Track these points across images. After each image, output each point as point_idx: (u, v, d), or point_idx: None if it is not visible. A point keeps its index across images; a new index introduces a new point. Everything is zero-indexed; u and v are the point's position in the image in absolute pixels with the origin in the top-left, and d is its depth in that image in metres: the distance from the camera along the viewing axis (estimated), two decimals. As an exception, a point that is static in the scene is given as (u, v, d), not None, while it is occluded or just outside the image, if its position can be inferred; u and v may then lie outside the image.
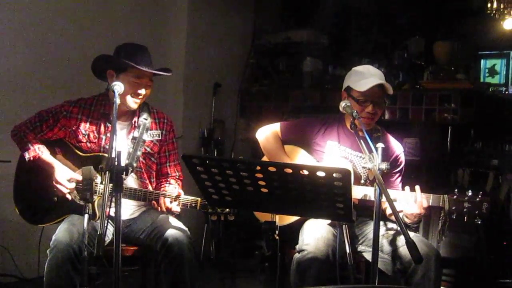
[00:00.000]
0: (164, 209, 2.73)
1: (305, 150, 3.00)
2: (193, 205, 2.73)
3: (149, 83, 2.82)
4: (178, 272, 2.67)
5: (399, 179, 2.95)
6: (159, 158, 2.99)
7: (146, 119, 2.89)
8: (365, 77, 2.81)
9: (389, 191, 2.58)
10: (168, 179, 2.99)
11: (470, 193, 2.53)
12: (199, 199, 2.72)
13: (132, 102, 2.78)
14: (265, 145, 3.07)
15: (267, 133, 3.08)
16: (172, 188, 2.92)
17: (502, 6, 4.18)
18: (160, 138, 2.95)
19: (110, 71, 2.78)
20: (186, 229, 2.79)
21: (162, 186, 2.97)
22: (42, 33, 3.90)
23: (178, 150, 3.07)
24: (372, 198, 2.60)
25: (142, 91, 2.78)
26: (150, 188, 2.91)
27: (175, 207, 2.73)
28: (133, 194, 2.76)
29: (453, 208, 2.52)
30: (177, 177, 3.01)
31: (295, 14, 5.66)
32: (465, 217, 2.52)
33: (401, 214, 2.64)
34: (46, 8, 3.92)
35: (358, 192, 2.66)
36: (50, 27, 3.95)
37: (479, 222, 2.51)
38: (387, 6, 5.38)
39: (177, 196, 2.74)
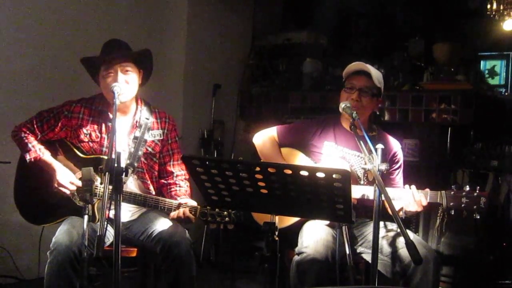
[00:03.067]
0: (183, 218, 2.70)
1: (302, 152, 3.00)
2: (192, 212, 2.71)
3: (124, 69, 2.71)
4: (178, 274, 2.66)
5: (399, 175, 2.96)
6: (162, 158, 2.97)
7: (147, 119, 2.89)
8: (353, 65, 2.91)
9: (389, 189, 2.60)
10: (176, 181, 2.97)
11: (467, 188, 2.54)
12: (198, 206, 2.71)
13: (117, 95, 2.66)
14: (262, 150, 3.09)
15: (264, 138, 3.09)
16: (184, 191, 2.92)
17: (501, 7, 4.18)
18: (161, 137, 2.94)
19: (97, 75, 2.79)
20: (186, 231, 2.79)
21: (173, 190, 2.94)
22: (43, 34, 3.90)
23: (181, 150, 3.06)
24: (371, 197, 2.60)
25: (120, 78, 2.68)
26: (151, 188, 2.91)
27: (191, 215, 2.71)
28: (133, 199, 2.75)
29: (451, 204, 2.53)
30: (183, 176, 2.99)
31: (294, 15, 5.67)
32: (464, 213, 2.53)
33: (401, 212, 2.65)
34: (46, 9, 3.92)
35: (357, 191, 2.66)
36: (51, 28, 3.95)
37: (478, 217, 2.52)
38: (386, 7, 5.39)
39: (196, 207, 2.71)
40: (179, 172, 2.98)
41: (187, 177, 2.99)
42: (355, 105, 2.80)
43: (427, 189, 2.62)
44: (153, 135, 2.91)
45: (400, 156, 2.97)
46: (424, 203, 2.58)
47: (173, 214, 2.72)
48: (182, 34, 4.84)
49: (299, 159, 2.99)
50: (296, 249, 2.69)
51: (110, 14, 4.31)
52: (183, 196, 2.87)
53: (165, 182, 2.98)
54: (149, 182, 2.90)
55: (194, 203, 2.76)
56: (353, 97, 2.83)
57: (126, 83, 2.72)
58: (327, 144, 2.93)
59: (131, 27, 4.39)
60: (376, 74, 2.87)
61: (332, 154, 2.90)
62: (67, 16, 4.04)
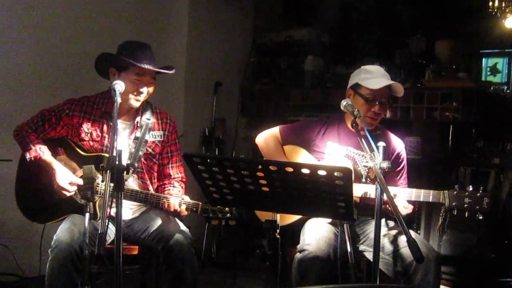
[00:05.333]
0: (172, 209, 2.71)
1: (305, 150, 3.00)
2: (194, 209, 2.71)
3: (151, 81, 2.79)
4: (180, 273, 2.67)
5: (404, 175, 2.95)
6: (161, 159, 2.97)
7: (149, 119, 2.88)
8: (377, 76, 2.82)
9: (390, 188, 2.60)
10: (172, 182, 2.97)
11: (470, 188, 2.53)
12: (200, 203, 2.70)
13: (134, 101, 2.77)
14: (264, 149, 3.08)
15: (266, 138, 3.08)
16: (177, 191, 2.92)
17: (503, 5, 4.17)
18: (162, 139, 2.94)
19: (111, 69, 2.78)
20: (187, 229, 2.79)
21: (166, 189, 2.95)
22: (44, 32, 3.90)
23: (181, 151, 3.06)
24: (372, 196, 2.60)
25: (144, 89, 2.77)
26: (151, 188, 2.91)
27: (185, 211, 2.72)
28: (134, 196, 2.75)
29: (454, 203, 2.53)
30: (179, 178, 3.00)
31: (296, 13, 5.66)
32: (466, 213, 2.52)
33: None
34: (47, 7, 3.91)
35: (359, 190, 2.66)
36: (52, 27, 3.95)
37: (480, 218, 2.51)
38: (388, 5, 5.38)
39: (180, 201, 2.72)
40: (176, 175, 2.99)
41: (184, 179, 3.01)
42: (374, 117, 2.80)
43: (430, 190, 2.61)
44: (154, 136, 2.90)
45: (404, 156, 2.97)
46: (406, 204, 2.59)
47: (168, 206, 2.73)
48: (183, 31, 4.83)
49: (302, 156, 2.98)
50: (298, 247, 2.69)
51: (111, 12, 4.30)
52: (175, 196, 2.85)
53: (161, 183, 2.99)
54: (148, 182, 2.90)
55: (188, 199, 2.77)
56: (375, 110, 2.79)
57: (147, 94, 2.80)
58: (330, 144, 2.92)
59: (132, 24, 4.39)
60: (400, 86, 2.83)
61: (335, 154, 2.89)
62: (69, 15, 4.03)
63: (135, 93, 2.75)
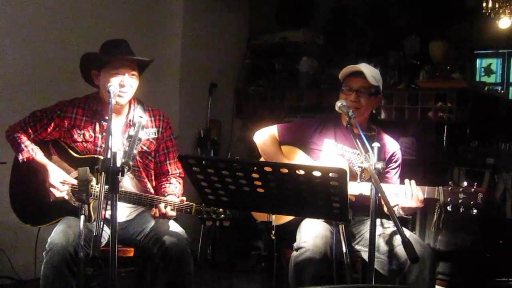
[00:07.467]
0: (158, 215, 2.70)
1: (302, 150, 3.01)
2: (188, 210, 2.70)
3: (131, 72, 2.73)
4: (176, 275, 2.66)
5: (397, 175, 2.97)
6: (158, 156, 2.96)
7: (141, 117, 2.87)
8: (352, 68, 2.90)
9: (386, 185, 2.60)
10: (169, 178, 2.96)
11: (465, 184, 2.54)
12: (194, 204, 2.70)
13: (117, 97, 2.69)
14: (262, 148, 3.09)
15: (264, 136, 3.09)
16: (173, 188, 2.91)
17: (497, 6, 4.19)
18: (156, 136, 2.92)
19: (93, 71, 2.77)
20: (183, 231, 2.79)
21: (163, 186, 2.93)
22: (37, 34, 3.89)
23: (177, 147, 3.04)
24: (368, 194, 2.60)
25: (126, 82, 2.69)
26: (149, 186, 2.90)
27: (170, 212, 2.70)
28: (128, 198, 2.74)
29: (448, 199, 2.53)
30: (177, 174, 2.99)
31: (291, 14, 5.67)
32: (461, 208, 2.53)
33: (396, 207, 2.65)
34: (41, 9, 3.90)
35: (354, 189, 2.66)
36: (45, 29, 3.93)
37: (475, 213, 2.52)
38: (383, 6, 5.40)
39: (169, 203, 2.71)
40: (174, 171, 2.98)
41: (182, 175, 2.99)
42: (353, 106, 2.81)
43: (425, 186, 2.62)
44: (148, 134, 2.89)
45: (398, 156, 2.98)
46: (421, 197, 2.57)
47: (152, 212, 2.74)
48: (178, 33, 4.83)
49: (299, 157, 2.99)
50: (295, 245, 2.69)
51: (106, 14, 4.30)
52: (170, 193, 2.85)
53: (158, 181, 2.98)
54: (146, 180, 2.89)
55: (176, 200, 2.75)
56: (351, 99, 2.84)
57: (130, 87, 2.75)
58: (327, 141, 2.94)
59: (126, 26, 4.38)
60: (371, 73, 2.87)
61: (332, 152, 2.90)
62: (62, 16, 4.03)
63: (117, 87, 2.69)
